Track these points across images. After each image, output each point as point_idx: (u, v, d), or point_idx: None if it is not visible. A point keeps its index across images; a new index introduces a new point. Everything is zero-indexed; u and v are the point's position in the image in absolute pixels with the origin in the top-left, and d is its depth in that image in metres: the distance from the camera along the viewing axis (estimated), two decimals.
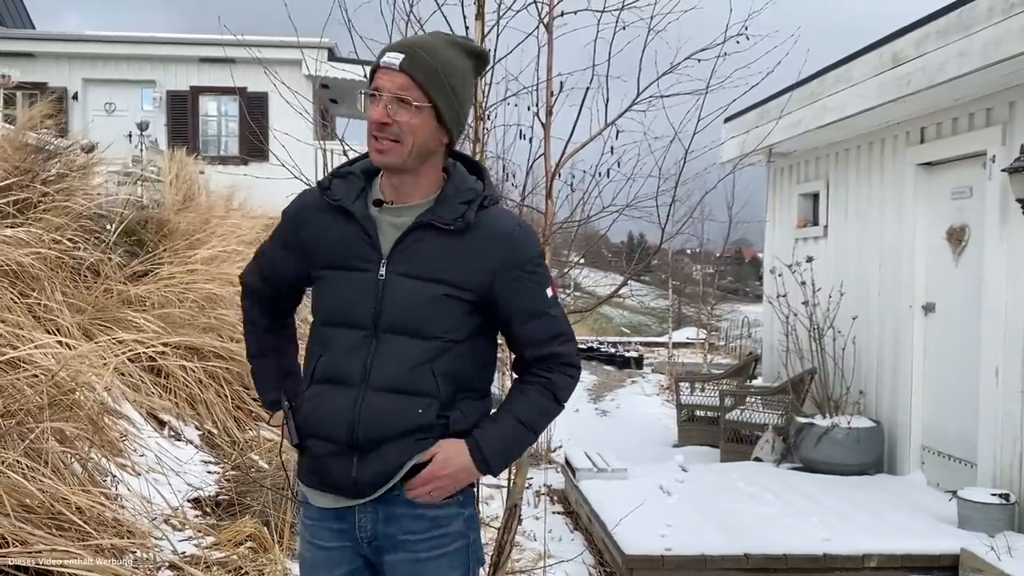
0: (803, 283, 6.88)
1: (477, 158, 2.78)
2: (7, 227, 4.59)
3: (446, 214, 1.76)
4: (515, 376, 1.93)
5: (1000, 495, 4.85)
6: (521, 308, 1.81)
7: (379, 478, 1.77)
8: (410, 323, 1.75)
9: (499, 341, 1.95)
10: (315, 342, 1.85)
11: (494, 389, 2.04)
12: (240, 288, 2.07)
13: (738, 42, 3.26)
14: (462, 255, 1.76)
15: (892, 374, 6.49)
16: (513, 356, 1.93)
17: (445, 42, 1.81)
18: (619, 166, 3.36)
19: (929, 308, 6.17)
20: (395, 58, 1.71)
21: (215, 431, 5.16)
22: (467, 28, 3.05)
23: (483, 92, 3.11)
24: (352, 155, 2.04)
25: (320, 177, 1.96)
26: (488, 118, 3.22)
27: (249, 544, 3.75)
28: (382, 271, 1.76)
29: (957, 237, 5.85)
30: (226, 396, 5.40)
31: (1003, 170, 5.18)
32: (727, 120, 8.43)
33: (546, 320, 1.84)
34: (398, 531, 1.80)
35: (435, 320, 1.76)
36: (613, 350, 18.36)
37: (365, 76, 1.88)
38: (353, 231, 1.79)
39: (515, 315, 1.82)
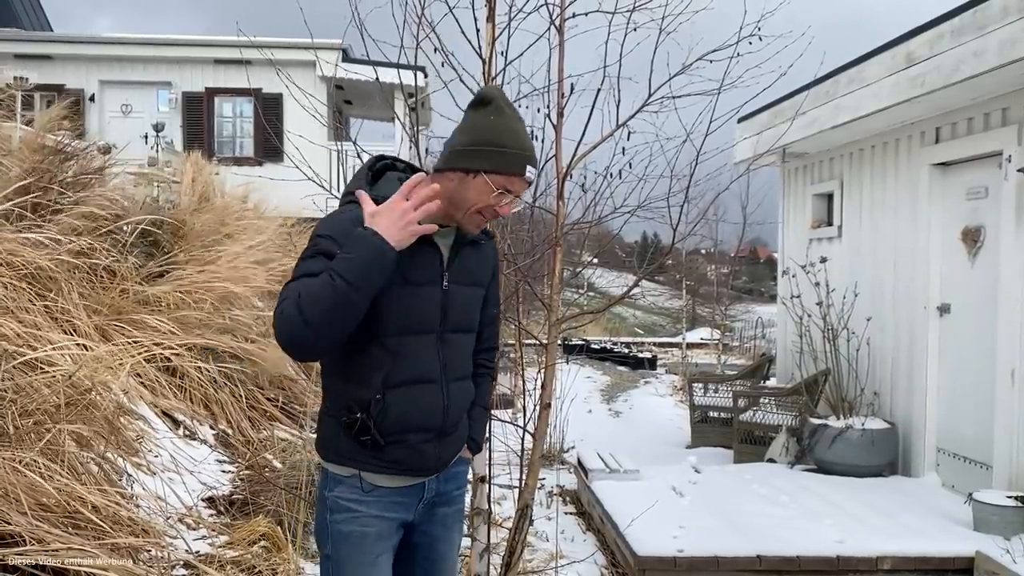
0: (817, 284, 6.85)
1: None
2: (25, 229, 4.64)
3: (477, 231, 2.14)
4: None
5: (1016, 497, 4.81)
6: (494, 296, 2.33)
7: (455, 453, 2.20)
8: (467, 322, 2.16)
9: None
10: (378, 349, 2.00)
11: None
12: (281, 307, 1.89)
13: (751, 43, 3.25)
14: (481, 261, 2.19)
15: (907, 375, 6.46)
16: None
17: None
18: (631, 167, 3.37)
19: (944, 309, 6.13)
20: (533, 173, 2.04)
21: (229, 431, 5.20)
22: (478, 31, 3.06)
23: None
24: (365, 157, 2.09)
25: (331, 178, 2.01)
26: None
27: (263, 543, 3.78)
28: (446, 282, 2.07)
29: (972, 238, 5.82)
30: (240, 396, 5.43)
31: (1019, 170, 5.15)
32: (741, 120, 8.41)
33: (498, 305, 2.42)
34: (454, 487, 2.24)
35: (477, 317, 2.21)
36: (626, 350, 18.32)
37: (377, 78, 1.90)
38: (426, 252, 2.02)
39: (489, 302, 2.28)
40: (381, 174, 2.11)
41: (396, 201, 1.85)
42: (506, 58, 3.14)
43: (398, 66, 3.22)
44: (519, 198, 2.07)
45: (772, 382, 9.01)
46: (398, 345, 2.00)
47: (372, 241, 1.84)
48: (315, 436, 2.17)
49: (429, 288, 2.03)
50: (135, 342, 4.76)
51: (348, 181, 2.13)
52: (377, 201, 1.93)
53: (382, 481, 2.07)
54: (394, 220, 1.84)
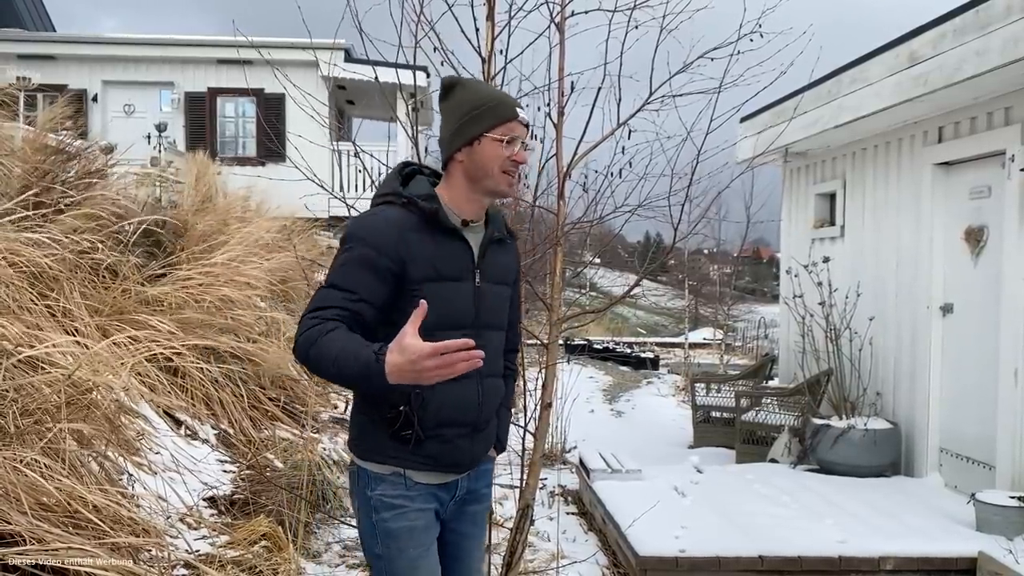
0: (819, 284, 6.84)
1: None
2: (27, 228, 4.64)
3: (503, 230, 2.22)
4: None
5: (1019, 497, 4.79)
6: (517, 298, 2.37)
7: (486, 450, 2.25)
8: (497, 320, 2.20)
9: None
10: None
11: None
12: (307, 331, 1.94)
13: (752, 40, 3.24)
14: (508, 260, 2.25)
15: (909, 375, 6.44)
16: None
17: None
18: (631, 166, 3.36)
19: (947, 309, 6.12)
20: (525, 114, 2.13)
21: (231, 430, 5.19)
22: (477, 29, 3.06)
23: None
24: (367, 158, 2.13)
25: (333, 179, 2.02)
26: None
27: (263, 543, 3.78)
28: (478, 279, 2.12)
29: (975, 237, 5.80)
30: (242, 396, 5.43)
31: (1022, 169, 5.13)
32: (743, 120, 8.40)
33: (519, 309, 2.47)
34: (483, 485, 2.31)
35: (506, 315, 2.25)
36: (629, 350, 18.30)
37: (377, 78, 1.90)
38: (458, 248, 2.10)
39: (513, 303, 2.32)
40: (411, 177, 2.17)
41: (425, 354, 1.75)
42: (506, 57, 3.13)
43: (400, 66, 3.22)
44: (527, 145, 2.13)
45: (774, 382, 9.00)
46: (434, 339, 1.92)
47: (374, 375, 1.80)
48: (347, 437, 2.20)
49: (462, 284, 2.08)
50: (136, 341, 4.76)
51: (347, 182, 2.17)
52: (410, 200, 2.03)
53: (422, 478, 2.11)
54: (408, 366, 1.77)
